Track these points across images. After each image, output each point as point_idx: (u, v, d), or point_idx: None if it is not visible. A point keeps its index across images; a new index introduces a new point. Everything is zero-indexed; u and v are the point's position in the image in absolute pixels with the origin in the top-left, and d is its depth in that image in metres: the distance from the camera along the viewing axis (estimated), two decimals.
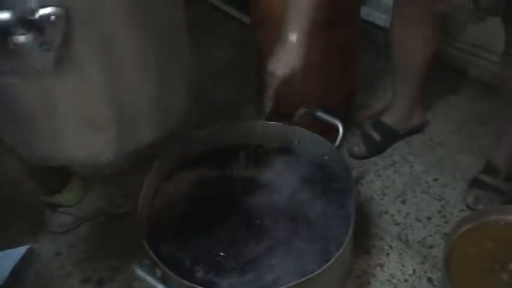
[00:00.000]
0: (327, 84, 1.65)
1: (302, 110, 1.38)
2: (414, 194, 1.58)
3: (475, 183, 1.52)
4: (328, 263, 1.09)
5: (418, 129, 1.73)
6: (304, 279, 1.05)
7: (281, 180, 1.31)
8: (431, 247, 1.44)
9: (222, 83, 1.99)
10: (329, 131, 1.57)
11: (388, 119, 1.68)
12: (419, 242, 1.45)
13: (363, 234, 1.46)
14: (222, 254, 1.18)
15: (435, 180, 1.61)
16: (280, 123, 1.40)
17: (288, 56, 1.21)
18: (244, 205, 1.27)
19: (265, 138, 1.39)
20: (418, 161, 1.67)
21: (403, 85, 1.63)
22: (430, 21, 1.48)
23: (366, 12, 2.02)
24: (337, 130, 1.33)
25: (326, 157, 1.35)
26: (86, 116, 0.86)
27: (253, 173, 1.33)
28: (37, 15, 0.73)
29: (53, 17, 0.72)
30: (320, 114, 1.36)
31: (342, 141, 1.35)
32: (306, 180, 1.32)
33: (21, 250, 1.02)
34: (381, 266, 1.41)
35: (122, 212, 1.50)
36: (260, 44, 1.71)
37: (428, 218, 1.51)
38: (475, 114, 1.80)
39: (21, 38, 0.73)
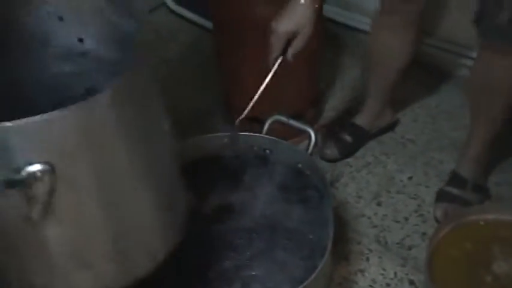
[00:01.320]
0: (296, 88, 1.63)
1: (272, 119, 1.35)
2: (389, 195, 1.56)
3: (442, 196, 1.49)
4: (319, 267, 1.08)
5: (388, 128, 1.72)
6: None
7: (257, 191, 1.28)
8: (410, 248, 1.43)
9: (187, 92, 1.94)
10: (296, 135, 1.56)
11: (359, 120, 1.66)
12: (398, 243, 1.44)
13: (341, 240, 1.43)
14: (203, 269, 1.15)
15: (409, 178, 1.60)
16: (250, 133, 1.37)
17: (292, 14, 1.18)
18: (220, 219, 1.24)
19: (237, 149, 1.36)
20: (391, 160, 1.65)
21: (377, 88, 1.61)
22: (414, 28, 1.46)
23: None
24: (309, 137, 1.30)
25: (299, 165, 1.33)
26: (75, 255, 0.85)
27: (228, 186, 1.29)
28: (23, 173, 0.72)
29: (39, 174, 0.72)
30: (291, 122, 1.33)
31: (314, 148, 1.32)
32: (282, 189, 1.28)
33: None
34: (362, 271, 1.39)
35: None
36: (222, 49, 1.68)
37: (406, 219, 1.50)
38: (443, 110, 1.80)
39: (8, 195, 0.73)
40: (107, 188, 0.82)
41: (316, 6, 1.19)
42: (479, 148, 1.46)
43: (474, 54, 1.50)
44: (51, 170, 0.73)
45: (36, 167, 0.72)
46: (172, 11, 2.29)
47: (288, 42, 1.20)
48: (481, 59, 1.35)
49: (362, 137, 1.67)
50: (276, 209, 1.25)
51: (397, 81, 1.56)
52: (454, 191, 1.48)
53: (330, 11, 1.99)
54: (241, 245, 1.19)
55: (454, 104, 1.80)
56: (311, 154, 1.30)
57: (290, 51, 1.20)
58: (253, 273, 1.13)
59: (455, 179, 1.50)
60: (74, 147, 0.76)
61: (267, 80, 1.26)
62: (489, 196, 1.51)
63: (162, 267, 1.06)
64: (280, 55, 1.22)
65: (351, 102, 1.82)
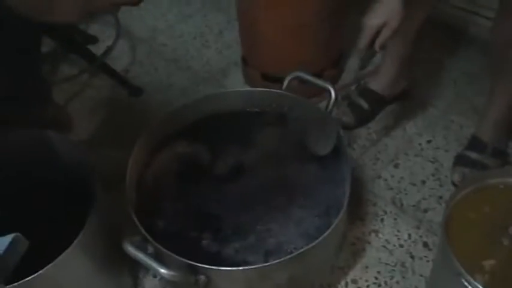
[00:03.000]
0: (318, 46, 1.60)
1: (292, 75, 1.33)
2: (407, 158, 1.55)
3: (461, 160, 1.47)
4: (334, 223, 1.07)
5: (406, 94, 1.67)
6: (310, 246, 1.03)
7: (274, 149, 1.27)
8: (426, 211, 1.42)
9: (204, 50, 1.92)
10: (315, 94, 1.53)
11: (375, 85, 1.61)
12: (413, 206, 1.43)
13: (356, 201, 1.43)
14: (218, 222, 1.15)
15: (428, 142, 1.58)
16: (269, 89, 1.35)
17: (382, 7, 1.17)
18: (237, 175, 1.23)
19: (255, 105, 1.35)
20: (411, 124, 1.63)
21: (392, 46, 1.57)
22: None
23: None
24: (330, 95, 1.28)
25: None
26: None
27: (244, 142, 1.28)
28: None
29: None
30: (311, 78, 1.31)
31: (333, 105, 1.30)
32: (299, 147, 1.28)
33: (7, 239, 0.97)
34: (376, 232, 1.38)
35: None
36: (242, 6, 1.66)
37: (423, 182, 1.48)
38: (466, 73, 1.76)
39: None
40: None
41: None
42: (500, 111, 1.43)
43: None
44: None
45: None
46: None
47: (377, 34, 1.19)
48: (503, 14, 1.29)
49: (378, 103, 1.62)
50: (293, 167, 1.25)
51: (413, 38, 1.50)
52: (473, 155, 1.46)
53: None
54: (256, 201, 1.18)
55: (477, 68, 1.76)
56: (331, 112, 1.28)
57: (377, 43, 1.19)
58: (268, 227, 1.13)
59: (474, 142, 1.48)
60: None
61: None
62: (509, 161, 1.48)
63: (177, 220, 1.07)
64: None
65: (371, 66, 1.78)
